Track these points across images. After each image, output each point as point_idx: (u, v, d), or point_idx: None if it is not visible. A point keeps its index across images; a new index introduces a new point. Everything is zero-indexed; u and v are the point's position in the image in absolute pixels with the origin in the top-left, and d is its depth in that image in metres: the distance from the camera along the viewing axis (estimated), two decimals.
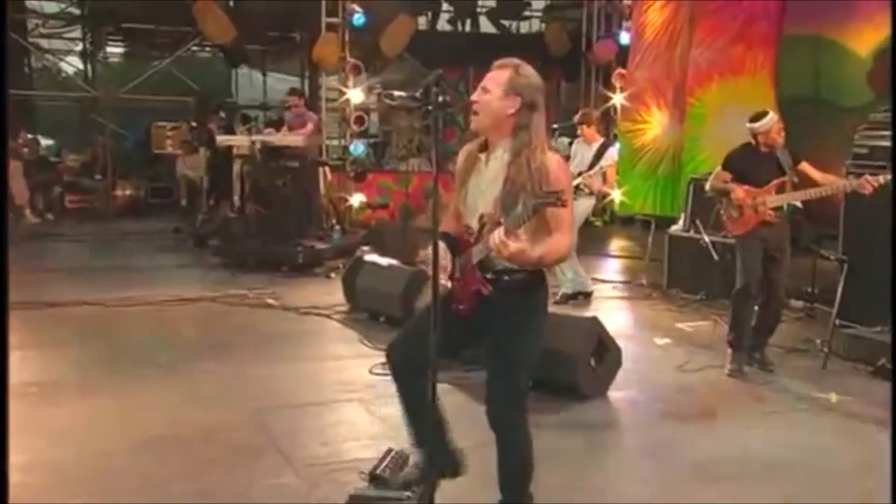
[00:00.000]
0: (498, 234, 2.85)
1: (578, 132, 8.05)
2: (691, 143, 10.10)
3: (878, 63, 9.15)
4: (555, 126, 7.37)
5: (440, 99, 2.80)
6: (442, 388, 5.15)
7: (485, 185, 3.09)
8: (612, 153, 8.02)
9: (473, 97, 3.03)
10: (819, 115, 9.13)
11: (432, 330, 2.80)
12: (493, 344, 3.11)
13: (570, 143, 8.22)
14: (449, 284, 3.19)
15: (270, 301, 7.62)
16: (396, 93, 3.29)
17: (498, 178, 3.02)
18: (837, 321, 5.97)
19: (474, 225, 3.11)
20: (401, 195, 13.48)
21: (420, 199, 13.30)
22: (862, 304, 6.15)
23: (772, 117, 5.62)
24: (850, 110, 9.17)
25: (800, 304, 7.27)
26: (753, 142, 5.68)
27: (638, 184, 10.96)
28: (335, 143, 12.99)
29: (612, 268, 10.04)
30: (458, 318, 3.14)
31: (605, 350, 5.26)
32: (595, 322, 5.32)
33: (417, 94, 2.86)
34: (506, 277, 3.05)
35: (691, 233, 8.13)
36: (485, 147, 3.15)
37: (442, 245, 3.14)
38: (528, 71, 3.04)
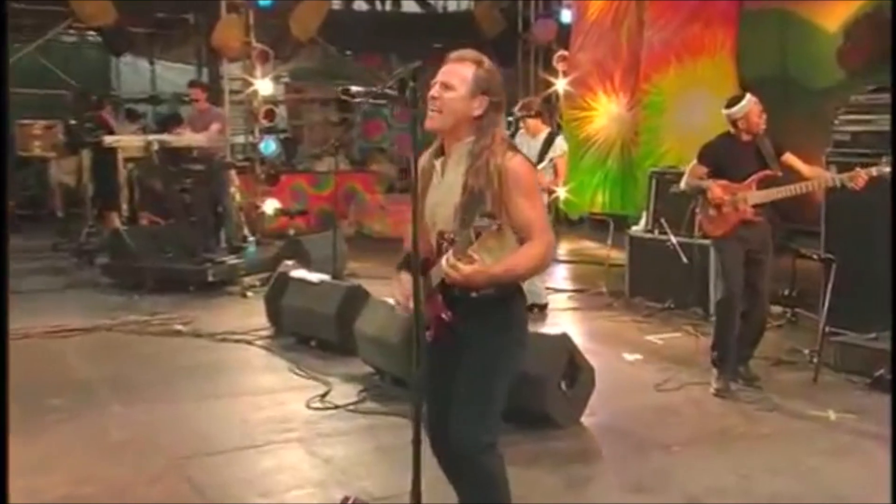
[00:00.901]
0: (447, 258, 2.84)
1: (521, 124, 8.04)
2: (649, 134, 10.24)
3: (848, 39, 9.44)
4: (509, 118, 7.35)
5: (418, 95, 2.71)
6: (392, 421, 5.12)
7: (441, 197, 3.06)
8: (561, 143, 8.04)
9: (433, 93, 3.00)
10: (788, 97, 9.34)
11: (413, 366, 2.69)
12: (463, 364, 3.07)
13: (512, 136, 8.23)
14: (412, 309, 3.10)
15: (179, 327, 7.40)
16: (355, 88, 3.14)
17: (454, 187, 2.99)
18: (827, 328, 6.06)
19: (434, 243, 3.05)
20: (318, 199, 13.39)
21: (341, 202, 13.18)
22: (852, 308, 6.28)
23: (749, 99, 5.66)
24: (820, 92, 9.42)
25: (778, 309, 7.40)
26: (733, 129, 5.72)
27: (585, 179, 11.08)
28: (240, 140, 12.76)
29: (565, 274, 10.09)
30: (442, 352, 3.09)
31: (577, 371, 5.22)
32: (565, 339, 5.28)
33: (389, 90, 2.75)
34: (472, 295, 2.97)
35: (655, 233, 8.21)
36: (441, 152, 3.11)
37: (405, 276, 3.10)
38: (491, 65, 3.05)
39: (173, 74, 16.50)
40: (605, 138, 11.10)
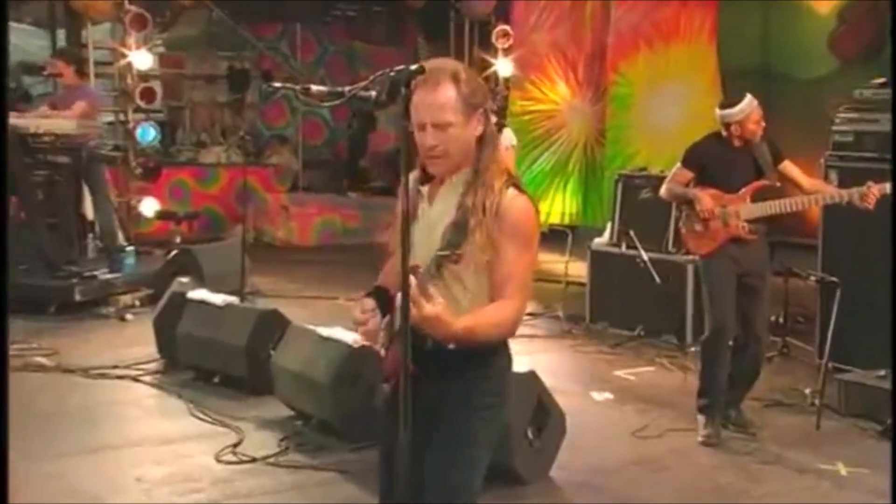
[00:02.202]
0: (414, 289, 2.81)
1: None
2: (616, 131, 10.39)
3: (843, 23, 9.76)
4: None
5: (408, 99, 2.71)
6: (322, 476, 5.07)
7: (425, 231, 3.06)
8: (509, 135, 8.07)
9: (430, 141, 2.98)
10: (770, 89, 9.60)
11: (401, 428, 2.67)
12: (433, 429, 3.07)
13: None
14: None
15: (42, 360, 7.22)
16: (316, 88, 3.03)
17: (443, 219, 3.02)
18: (830, 364, 6.24)
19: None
20: (204, 198, 13.20)
21: (232, 202, 13.05)
22: (855, 339, 6.47)
23: (750, 102, 5.77)
24: (809, 83, 9.74)
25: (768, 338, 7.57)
26: (724, 132, 5.85)
27: (541, 185, 11.17)
28: (107, 123, 12.51)
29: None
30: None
31: (545, 416, 5.26)
32: (532, 379, 5.31)
33: (373, 95, 2.74)
34: (450, 346, 2.95)
35: (622, 247, 8.33)
36: (428, 178, 3.12)
37: (370, 303, 3.08)
38: (464, 68, 3.05)
39: (18, 37, 16.08)
40: (565, 137, 11.22)
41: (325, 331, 5.81)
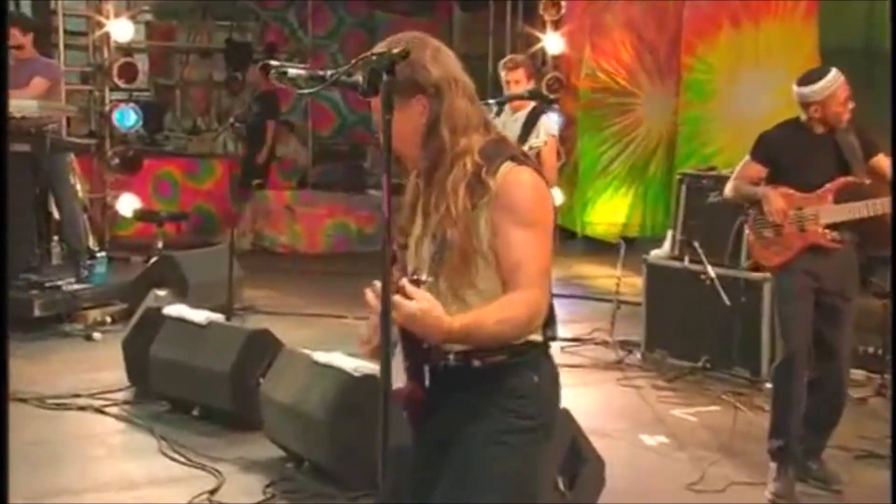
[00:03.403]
0: (375, 284, 2.90)
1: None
2: (691, 125, 10.37)
3: None
4: (490, 102, 7.31)
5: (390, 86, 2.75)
6: None
7: (419, 230, 3.18)
8: (549, 123, 8.07)
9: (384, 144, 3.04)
10: (874, 71, 9.51)
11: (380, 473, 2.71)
12: (447, 471, 3.11)
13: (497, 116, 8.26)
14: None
15: None
16: (292, 69, 3.06)
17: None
18: None
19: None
20: (195, 195, 13.32)
21: (229, 200, 13.16)
22: None
23: (835, 78, 5.69)
24: None
25: (861, 375, 7.51)
26: (803, 116, 5.81)
27: (615, 192, 11.15)
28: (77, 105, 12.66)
29: (556, 315, 10.11)
30: (424, 448, 3.16)
31: (579, 463, 5.26)
32: (564, 418, 5.31)
33: (360, 80, 2.77)
34: (475, 362, 3.04)
35: (685, 261, 8.30)
36: None
37: (375, 321, 3.07)
38: (404, 45, 2.95)
39: None
40: (644, 135, 11.23)
41: (321, 356, 5.85)
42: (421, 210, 3.11)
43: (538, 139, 7.78)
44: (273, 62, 3.13)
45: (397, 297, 2.80)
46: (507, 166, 3.00)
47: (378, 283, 2.92)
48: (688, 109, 10.45)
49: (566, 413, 5.32)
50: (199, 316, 6.92)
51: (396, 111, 2.90)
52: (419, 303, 2.79)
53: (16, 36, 9.58)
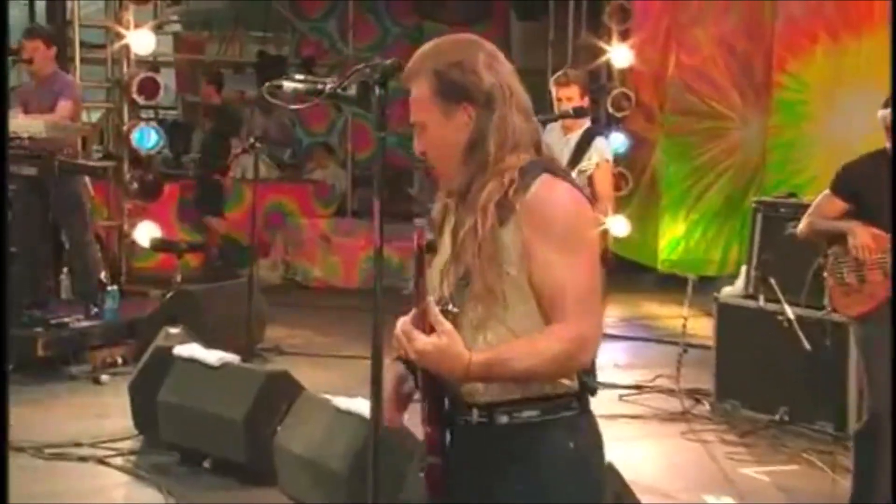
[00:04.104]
0: (402, 321, 2.88)
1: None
2: (781, 151, 10.24)
3: None
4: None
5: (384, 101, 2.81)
6: None
7: (445, 255, 3.11)
8: (603, 146, 7.99)
9: (417, 147, 3.09)
10: None
11: None
12: None
13: None
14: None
15: None
16: (288, 83, 3.12)
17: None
18: None
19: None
20: (222, 223, 13.35)
21: (262, 228, 13.20)
22: None
23: None
24: None
25: None
26: (889, 143, 5.73)
27: (708, 229, 11.08)
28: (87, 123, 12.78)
29: (613, 358, 10.07)
30: None
31: None
32: (609, 475, 5.25)
33: (341, 89, 2.78)
34: (502, 418, 2.98)
35: (760, 300, 8.21)
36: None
37: (400, 369, 3.11)
38: (444, 56, 3.04)
39: None
40: (740, 163, 11.15)
41: (343, 402, 5.83)
42: (451, 232, 3.05)
43: (590, 161, 7.71)
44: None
45: (412, 330, 2.81)
46: (541, 180, 2.95)
47: (406, 320, 2.91)
48: (778, 134, 10.34)
49: (609, 468, 5.26)
50: (212, 357, 6.91)
51: (438, 118, 2.98)
52: (437, 337, 2.78)
53: (38, 49, 9.62)
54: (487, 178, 2.97)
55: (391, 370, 3.10)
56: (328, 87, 3.02)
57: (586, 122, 8.00)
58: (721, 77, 11.29)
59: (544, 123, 7.45)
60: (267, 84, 3.11)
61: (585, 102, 7.83)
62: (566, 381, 2.98)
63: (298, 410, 6.20)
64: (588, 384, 3.03)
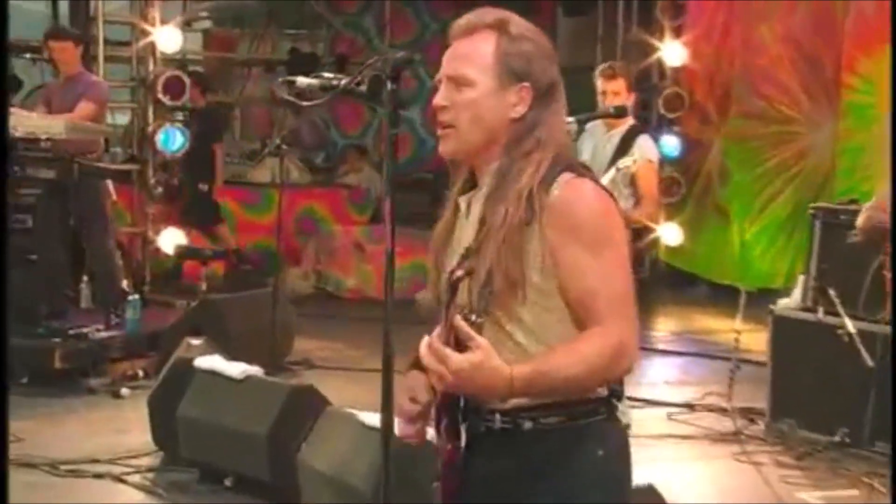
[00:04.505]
0: (428, 339, 2.85)
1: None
2: (850, 156, 10.18)
3: None
4: (568, 120, 7.20)
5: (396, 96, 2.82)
6: None
7: (460, 251, 3.09)
8: (647, 145, 7.93)
9: (438, 100, 3.05)
10: None
11: None
12: None
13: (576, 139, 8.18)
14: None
15: None
16: (302, 79, 3.21)
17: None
18: None
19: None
20: (252, 230, 13.43)
21: (293, 235, 13.28)
22: None
23: None
24: None
25: None
26: None
27: (775, 240, 11.04)
28: (118, 124, 12.87)
29: (663, 375, 10.08)
30: None
31: None
32: (651, 496, 5.26)
33: (354, 85, 2.80)
34: (526, 424, 2.98)
35: (819, 313, 8.16)
36: (471, 185, 3.16)
37: (417, 377, 3.15)
38: (524, 25, 3.07)
39: (16, 2, 16.70)
40: (811, 170, 11.11)
41: (369, 417, 5.82)
42: (478, 223, 3.03)
43: (626, 162, 7.62)
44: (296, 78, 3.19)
45: (441, 348, 2.77)
46: (564, 178, 2.95)
47: (434, 337, 2.87)
48: (847, 138, 10.28)
49: (651, 490, 5.27)
50: (235, 369, 6.93)
51: (489, 84, 2.97)
52: (472, 353, 2.74)
53: (68, 50, 9.77)
54: (524, 165, 2.96)
55: (409, 381, 3.13)
56: (343, 83, 3.04)
57: (630, 119, 7.99)
58: (789, 78, 11.24)
59: (584, 122, 7.47)
60: (279, 80, 3.14)
61: (631, 98, 7.81)
62: (597, 390, 2.99)
63: (323, 426, 6.21)
64: (616, 390, 3.04)
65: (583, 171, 3.02)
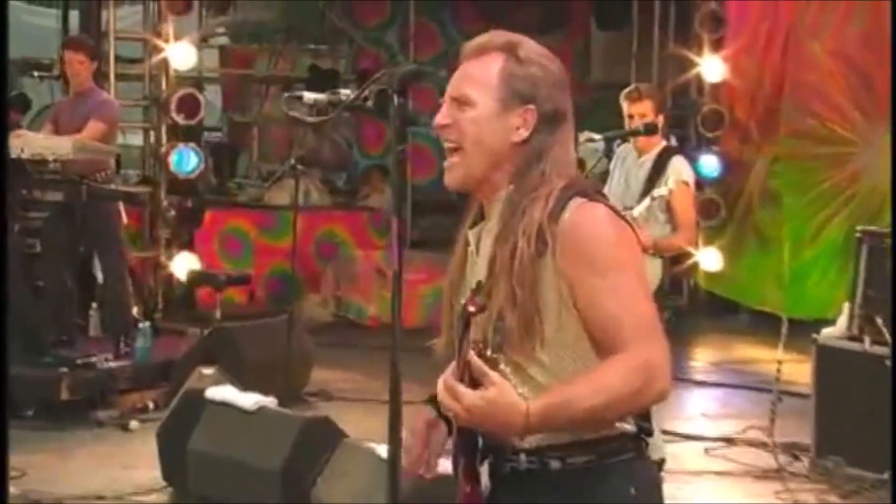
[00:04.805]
0: (443, 378, 2.87)
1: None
2: None
3: None
4: (595, 137, 7.17)
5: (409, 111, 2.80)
6: None
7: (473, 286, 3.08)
8: (681, 165, 7.90)
9: (439, 119, 3.07)
10: None
11: None
12: None
13: (606, 156, 8.15)
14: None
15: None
16: (309, 95, 3.24)
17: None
18: None
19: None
20: (270, 254, 13.43)
21: (312, 260, 13.28)
22: None
23: None
24: None
25: None
26: None
27: (829, 266, 11.02)
28: (132, 142, 13.01)
29: (700, 407, 10.04)
30: None
31: None
32: None
33: (360, 100, 2.88)
34: (553, 463, 2.97)
35: (866, 342, 8.11)
36: (481, 217, 3.18)
37: (431, 415, 3.19)
38: (535, 50, 3.09)
39: (18, 21, 16.80)
40: (867, 193, 11.09)
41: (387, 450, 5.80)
42: (488, 261, 3.03)
43: (662, 191, 7.58)
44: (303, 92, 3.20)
45: (456, 386, 2.79)
46: (575, 203, 2.96)
47: (448, 374, 2.89)
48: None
49: None
50: (247, 400, 6.95)
51: (492, 106, 3.00)
52: (485, 389, 2.75)
53: (82, 63, 9.75)
54: (532, 200, 2.96)
55: (422, 414, 3.17)
56: (352, 97, 3.05)
57: (661, 141, 7.97)
58: (841, 95, 11.23)
59: (611, 141, 7.45)
60: (285, 95, 3.13)
61: (660, 120, 7.79)
62: (623, 424, 2.97)
63: (339, 460, 6.22)
64: (644, 427, 3.02)
65: (595, 195, 3.03)
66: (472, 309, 2.86)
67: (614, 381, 2.83)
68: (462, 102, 3.03)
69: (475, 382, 2.81)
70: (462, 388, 2.77)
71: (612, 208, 3.01)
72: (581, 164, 6.51)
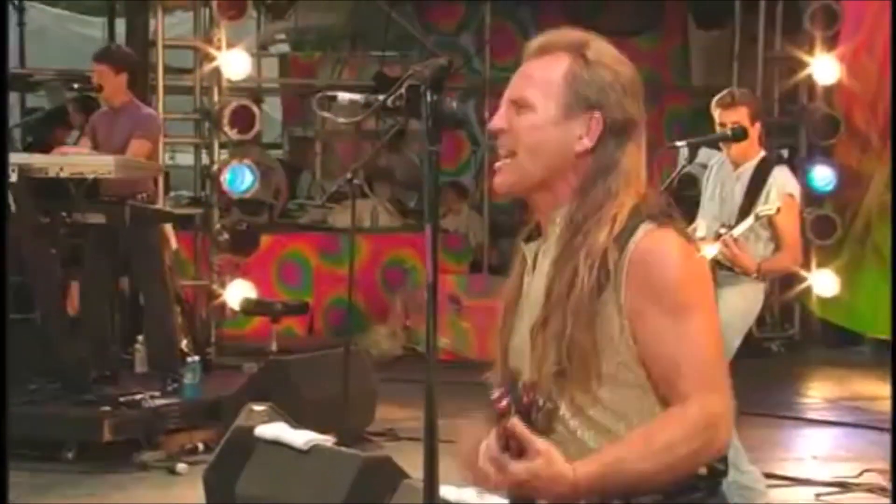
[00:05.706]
0: (486, 446, 2.90)
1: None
2: None
3: None
4: (678, 144, 7.13)
5: (444, 109, 2.84)
6: None
7: (527, 319, 3.13)
8: (784, 177, 7.84)
9: (495, 124, 3.10)
10: None
11: None
12: None
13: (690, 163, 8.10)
14: None
15: None
16: (343, 95, 3.34)
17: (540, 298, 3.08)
18: None
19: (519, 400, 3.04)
20: (333, 282, 13.52)
21: (379, 289, 13.34)
22: None
23: None
24: None
25: None
26: None
27: None
28: (183, 161, 12.99)
29: (812, 448, 10.02)
30: None
31: None
32: None
33: (390, 101, 2.95)
34: (614, 502, 2.94)
35: None
36: (537, 233, 3.19)
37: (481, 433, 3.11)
38: (605, 51, 3.07)
39: (65, 32, 17.00)
40: None
41: (452, 492, 5.87)
42: (545, 289, 3.03)
43: (767, 208, 7.57)
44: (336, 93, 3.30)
45: (500, 457, 2.81)
46: (644, 229, 2.96)
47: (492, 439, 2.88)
48: None
49: None
50: (300, 438, 6.92)
51: (554, 110, 2.99)
52: (530, 460, 2.77)
53: (105, 75, 9.70)
54: (597, 221, 2.97)
55: (472, 434, 3.15)
56: (389, 99, 3.09)
57: (760, 151, 7.93)
58: None
59: (697, 147, 7.47)
60: (318, 95, 3.23)
61: (756, 128, 7.77)
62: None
63: (401, 503, 6.24)
64: (717, 469, 3.01)
65: (666, 220, 3.00)
66: (525, 401, 2.92)
67: (671, 440, 2.85)
68: (521, 106, 3.01)
69: (521, 449, 2.81)
70: (506, 460, 2.79)
71: (683, 233, 3.01)
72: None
